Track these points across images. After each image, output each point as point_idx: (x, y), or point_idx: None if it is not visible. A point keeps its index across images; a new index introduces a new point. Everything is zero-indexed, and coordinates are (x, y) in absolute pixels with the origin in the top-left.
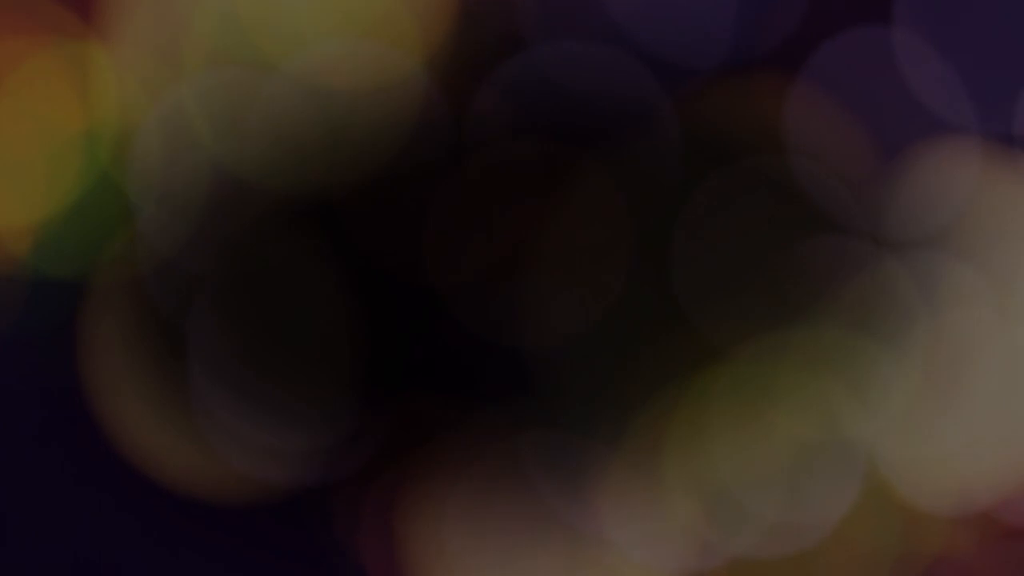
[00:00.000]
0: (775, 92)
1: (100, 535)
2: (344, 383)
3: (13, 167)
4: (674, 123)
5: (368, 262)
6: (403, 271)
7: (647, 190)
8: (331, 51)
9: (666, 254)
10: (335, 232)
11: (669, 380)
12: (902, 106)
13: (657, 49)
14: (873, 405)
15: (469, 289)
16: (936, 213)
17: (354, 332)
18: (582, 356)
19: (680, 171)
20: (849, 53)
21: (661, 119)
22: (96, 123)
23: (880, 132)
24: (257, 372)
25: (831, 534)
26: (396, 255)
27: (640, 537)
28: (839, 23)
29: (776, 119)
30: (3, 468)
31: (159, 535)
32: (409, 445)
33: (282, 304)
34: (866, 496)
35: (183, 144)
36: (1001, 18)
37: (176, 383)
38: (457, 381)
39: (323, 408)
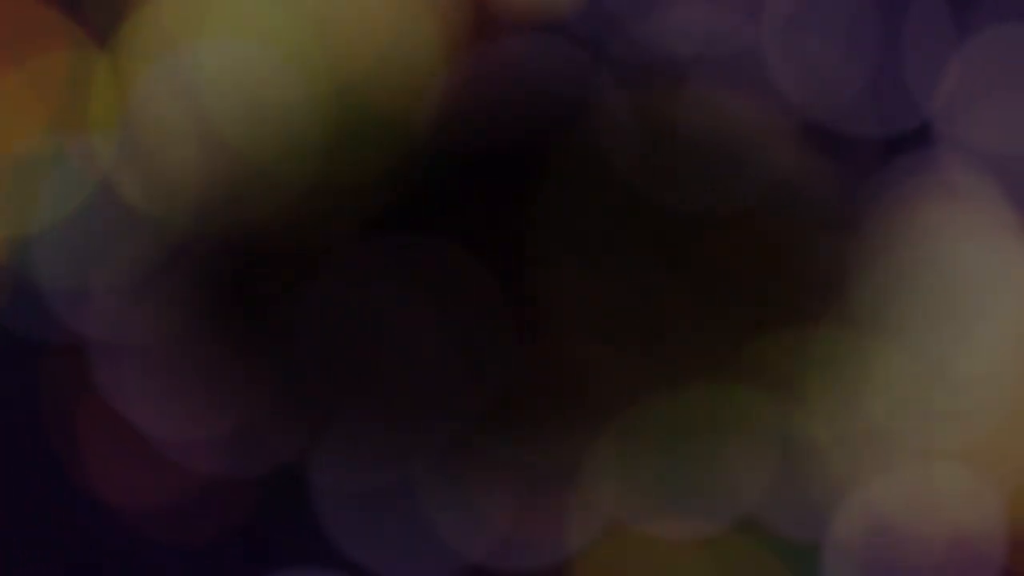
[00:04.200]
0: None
1: (99, 535)
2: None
3: (10, 171)
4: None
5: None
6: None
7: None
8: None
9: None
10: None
11: (649, 378)
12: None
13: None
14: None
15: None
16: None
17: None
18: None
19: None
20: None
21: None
22: (92, 128)
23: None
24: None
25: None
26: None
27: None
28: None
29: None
30: (3, 468)
31: (158, 535)
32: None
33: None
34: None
35: (181, 145)
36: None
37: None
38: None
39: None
